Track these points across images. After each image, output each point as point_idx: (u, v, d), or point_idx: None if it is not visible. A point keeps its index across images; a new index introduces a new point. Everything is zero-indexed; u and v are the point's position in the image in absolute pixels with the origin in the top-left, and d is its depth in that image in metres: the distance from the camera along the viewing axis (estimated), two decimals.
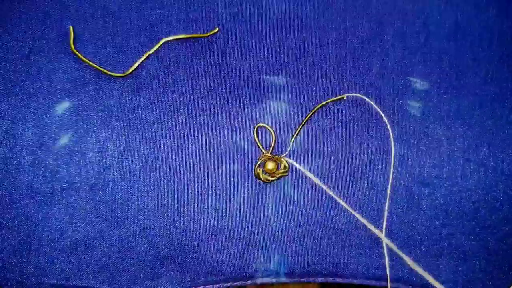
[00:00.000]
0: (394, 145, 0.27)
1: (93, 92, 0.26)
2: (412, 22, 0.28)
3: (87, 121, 0.26)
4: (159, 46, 0.27)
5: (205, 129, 0.26)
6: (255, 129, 0.27)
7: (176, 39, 0.27)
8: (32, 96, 0.26)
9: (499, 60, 0.28)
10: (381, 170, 0.27)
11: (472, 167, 0.27)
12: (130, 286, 0.26)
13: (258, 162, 0.26)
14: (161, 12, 0.27)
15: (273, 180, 0.26)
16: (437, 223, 0.27)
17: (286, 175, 0.27)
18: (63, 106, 0.26)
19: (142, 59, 0.26)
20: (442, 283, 0.27)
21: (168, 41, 0.27)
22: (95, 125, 0.26)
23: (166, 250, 0.26)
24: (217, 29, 0.27)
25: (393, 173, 0.27)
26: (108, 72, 0.26)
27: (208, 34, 0.27)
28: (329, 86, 0.27)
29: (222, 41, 0.27)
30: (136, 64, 0.26)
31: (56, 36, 0.27)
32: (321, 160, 0.27)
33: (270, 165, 0.26)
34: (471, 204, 0.27)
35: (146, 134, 0.26)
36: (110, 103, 0.26)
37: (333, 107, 0.27)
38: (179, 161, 0.26)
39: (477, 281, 0.27)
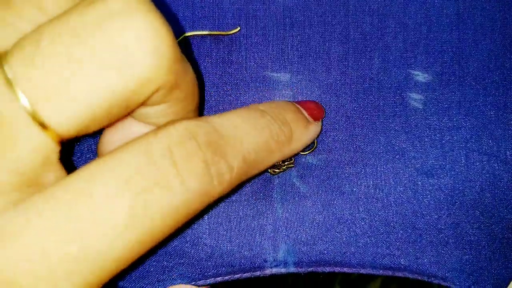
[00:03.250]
0: (397, 136, 0.27)
1: None
2: (414, 14, 0.28)
3: None
4: (180, 40, 0.27)
5: None
6: None
7: (196, 35, 0.27)
8: None
9: (502, 48, 0.28)
10: (385, 161, 0.27)
11: (475, 157, 0.27)
12: (142, 280, 0.27)
13: None
14: (167, 10, 0.27)
15: (279, 172, 0.27)
16: (441, 212, 0.27)
17: (292, 166, 0.27)
18: None
19: None
20: (448, 272, 0.27)
21: (189, 36, 0.27)
22: None
23: (176, 243, 0.27)
24: (238, 28, 0.27)
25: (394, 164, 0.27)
26: None
27: (230, 32, 0.27)
28: (331, 82, 0.28)
29: (228, 38, 0.27)
30: None
31: None
32: (326, 153, 0.27)
33: None
34: (475, 194, 0.27)
35: None
36: None
37: (338, 104, 0.28)
38: None
39: (482, 270, 0.27)
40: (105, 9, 0.16)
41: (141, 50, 0.17)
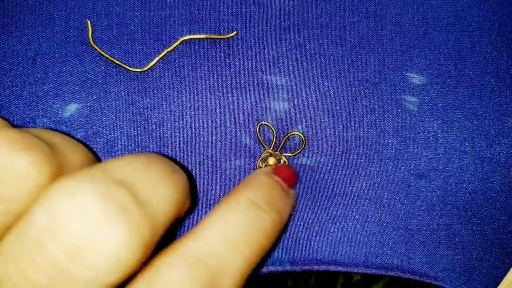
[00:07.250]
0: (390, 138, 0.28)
1: (101, 94, 0.27)
2: (411, 16, 0.28)
3: (96, 123, 0.27)
4: (178, 44, 0.27)
5: (210, 128, 0.28)
6: (258, 127, 0.28)
7: (193, 39, 0.27)
8: (40, 99, 0.27)
9: (499, 50, 0.28)
10: (378, 163, 0.28)
11: (468, 159, 0.28)
12: None
13: (261, 158, 0.28)
14: (165, 13, 0.28)
15: None
16: (434, 213, 0.28)
17: None
18: (72, 108, 0.27)
19: (161, 56, 0.27)
20: (439, 271, 0.28)
21: (186, 40, 0.27)
22: (103, 126, 0.27)
23: None
24: (235, 32, 0.27)
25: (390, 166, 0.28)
26: (127, 67, 0.27)
27: (226, 36, 0.27)
28: (327, 84, 0.28)
29: (225, 41, 0.28)
30: (155, 60, 0.27)
31: (62, 38, 0.27)
32: (319, 155, 0.28)
33: (271, 161, 0.27)
34: (468, 195, 0.28)
35: (154, 134, 0.27)
36: (118, 104, 0.27)
37: (334, 107, 0.28)
38: (187, 159, 0.28)
39: (473, 269, 0.28)
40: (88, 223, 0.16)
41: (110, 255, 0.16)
